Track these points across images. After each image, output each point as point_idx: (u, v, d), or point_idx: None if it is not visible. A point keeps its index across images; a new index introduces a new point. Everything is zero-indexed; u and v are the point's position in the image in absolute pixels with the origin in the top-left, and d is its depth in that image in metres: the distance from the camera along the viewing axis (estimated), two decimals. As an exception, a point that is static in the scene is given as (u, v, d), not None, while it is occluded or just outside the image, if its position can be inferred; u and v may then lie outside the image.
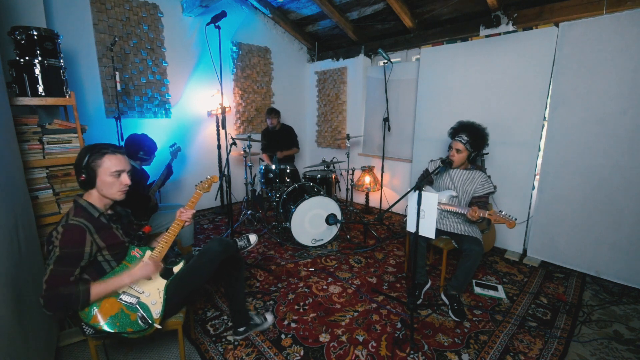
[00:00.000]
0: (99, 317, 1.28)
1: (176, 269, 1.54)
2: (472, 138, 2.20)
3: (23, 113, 1.82)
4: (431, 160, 2.50)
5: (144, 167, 2.61)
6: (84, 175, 1.34)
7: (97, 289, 1.28)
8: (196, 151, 4.20)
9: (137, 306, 1.36)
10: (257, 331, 1.95)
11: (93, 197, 1.40)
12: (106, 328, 1.27)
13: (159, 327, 1.39)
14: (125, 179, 1.43)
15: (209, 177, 1.77)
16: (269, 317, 2.00)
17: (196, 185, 1.73)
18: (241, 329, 1.88)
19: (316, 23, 4.61)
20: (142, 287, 1.42)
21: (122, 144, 2.96)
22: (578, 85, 2.56)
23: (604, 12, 2.55)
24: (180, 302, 1.54)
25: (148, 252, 1.49)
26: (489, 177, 2.27)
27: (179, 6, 3.76)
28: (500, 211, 1.98)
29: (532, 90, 2.79)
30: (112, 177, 1.38)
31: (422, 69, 3.56)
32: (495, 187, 2.28)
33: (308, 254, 3.03)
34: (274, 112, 4.04)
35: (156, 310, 1.40)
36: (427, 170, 2.50)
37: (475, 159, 2.33)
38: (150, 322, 1.36)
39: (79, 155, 1.36)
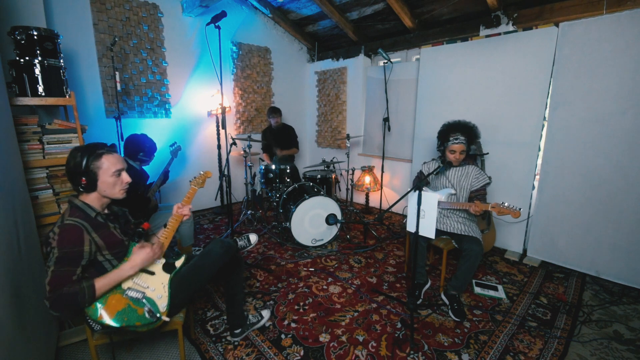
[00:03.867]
0: (106, 313, 1.28)
1: (178, 263, 1.54)
2: (467, 136, 2.23)
3: (23, 113, 1.82)
4: (424, 162, 2.50)
5: (143, 167, 2.61)
6: (84, 179, 1.31)
7: (101, 282, 1.27)
8: (196, 151, 4.20)
9: (144, 300, 1.37)
10: (257, 330, 1.96)
11: (90, 197, 1.38)
12: (113, 323, 1.28)
13: (167, 319, 1.40)
14: (126, 177, 1.43)
15: (202, 172, 1.75)
16: (265, 313, 2.01)
17: (190, 181, 1.73)
18: (237, 331, 1.88)
19: (316, 23, 4.61)
20: (147, 282, 1.42)
21: (122, 144, 2.96)
22: (578, 85, 2.56)
23: (604, 12, 2.55)
24: (183, 302, 1.55)
25: None
26: (481, 169, 2.28)
27: (179, 6, 3.76)
28: (502, 203, 1.97)
29: (532, 90, 2.79)
30: (114, 177, 1.37)
31: (422, 69, 3.56)
32: (490, 177, 2.29)
33: (308, 254, 3.03)
34: (277, 111, 4.06)
35: (162, 303, 1.41)
36: (421, 172, 2.49)
37: (475, 158, 2.33)
38: (157, 315, 1.37)
39: (72, 160, 1.31)
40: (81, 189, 1.34)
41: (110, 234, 1.39)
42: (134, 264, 1.36)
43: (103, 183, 1.36)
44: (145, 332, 1.38)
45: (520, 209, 1.94)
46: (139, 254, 1.38)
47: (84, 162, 1.30)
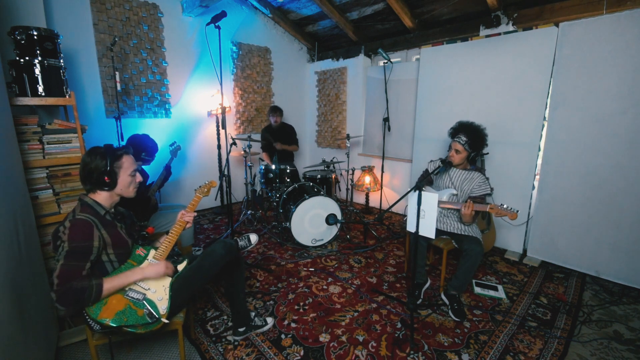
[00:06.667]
0: (106, 313, 1.29)
1: (180, 267, 1.57)
2: (471, 139, 2.20)
3: (23, 113, 1.82)
4: (431, 161, 2.50)
5: (143, 167, 2.61)
6: (108, 178, 1.37)
7: (109, 284, 1.30)
8: (196, 151, 4.20)
9: (144, 302, 1.38)
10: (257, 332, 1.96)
11: (101, 196, 1.42)
12: (112, 323, 1.28)
13: (167, 321, 1.42)
14: (139, 176, 1.51)
15: (207, 182, 1.83)
16: (270, 320, 2.01)
17: (195, 190, 1.78)
18: (241, 329, 1.88)
19: (316, 23, 4.61)
20: (148, 284, 1.43)
21: (123, 144, 2.96)
22: (578, 85, 2.56)
23: (604, 12, 2.55)
24: (183, 302, 1.55)
25: (152, 251, 1.53)
26: (487, 178, 2.27)
27: (179, 6, 3.76)
28: (501, 204, 1.98)
29: (532, 90, 2.79)
30: (131, 177, 1.46)
31: (422, 69, 3.56)
32: (492, 189, 2.29)
33: (308, 254, 3.03)
34: (278, 110, 4.07)
35: (162, 306, 1.42)
36: (426, 170, 2.50)
37: (475, 159, 2.33)
38: (157, 317, 1.38)
39: (93, 161, 1.36)
40: (105, 188, 1.40)
41: (117, 233, 1.42)
42: (144, 274, 1.40)
43: (122, 182, 1.43)
44: (144, 333, 1.39)
45: (517, 210, 1.94)
46: (153, 268, 1.43)
47: (108, 162, 1.37)
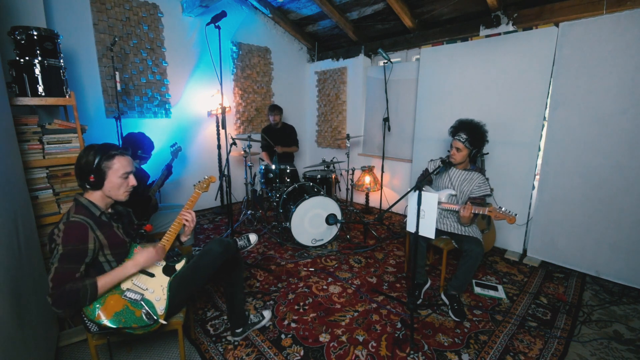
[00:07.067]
0: (104, 313, 1.28)
1: (178, 266, 1.56)
2: (471, 136, 2.20)
3: (23, 113, 1.82)
4: (431, 160, 2.50)
5: (142, 166, 2.61)
6: (93, 177, 1.33)
7: (104, 280, 1.28)
8: (196, 151, 4.20)
9: (142, 302, 1.37)
10: (257, 330, 1.96)
11: (95, 196, 1.39)
12: (110, 324, 1.28)
13: (164, 322, 1.41)
14: (132, 180, 1.44)
15: (206, 177, 1.80)
16: (266, 314, 2.01)
17: (194, 185, 1.76)
18: (238, 330, 1.88)
19: (316, 23, 4.62)
20: (146, 284, 1.42)
21: (121, 143, 2.96)
22: (578, 85, 2.56)
23: (604, 12, 2.55)
24: (182, 302, 1.55)
25: None
26: (487, 179, 2.27)
27: (179, 6, 3.76)
28: (500, 207, 1.99)
29: (532, 90, 2.79)
30: (121, 179, 1.39)
31: (422, 69, 3.56)
32: (492, 189, 2.28)
33: (308, 254, 3.03)
34: (277, 109, 4.07)
35: (160, 306, 1.41)
36: (426, 170, 2.50)
37: (476, 158, 2.32)
38: (155, 317, 1.37)
39: (85, 157, 1.33)
40: (88, 187, 1.36)
41: (113, 233, 1.40)
42: (136, 263, 1.38)
43: (110, 183, 1.37)
44: (142, 334, 1.38)
45: (516, 214, 1.94)
46: (142, 254, 1.40)
47: (96, 161, 1.32)
